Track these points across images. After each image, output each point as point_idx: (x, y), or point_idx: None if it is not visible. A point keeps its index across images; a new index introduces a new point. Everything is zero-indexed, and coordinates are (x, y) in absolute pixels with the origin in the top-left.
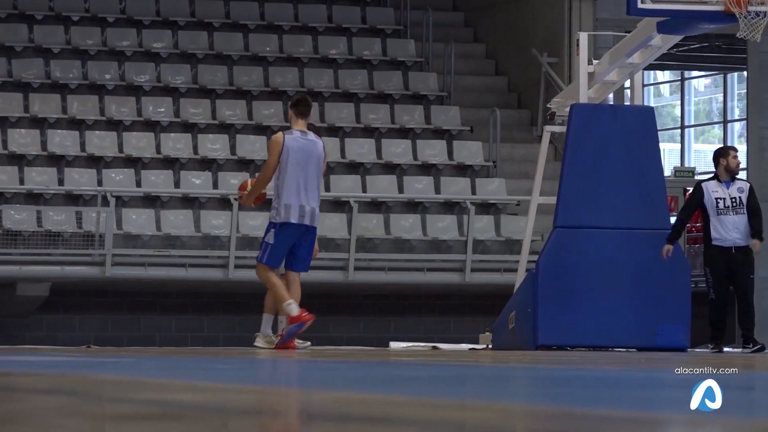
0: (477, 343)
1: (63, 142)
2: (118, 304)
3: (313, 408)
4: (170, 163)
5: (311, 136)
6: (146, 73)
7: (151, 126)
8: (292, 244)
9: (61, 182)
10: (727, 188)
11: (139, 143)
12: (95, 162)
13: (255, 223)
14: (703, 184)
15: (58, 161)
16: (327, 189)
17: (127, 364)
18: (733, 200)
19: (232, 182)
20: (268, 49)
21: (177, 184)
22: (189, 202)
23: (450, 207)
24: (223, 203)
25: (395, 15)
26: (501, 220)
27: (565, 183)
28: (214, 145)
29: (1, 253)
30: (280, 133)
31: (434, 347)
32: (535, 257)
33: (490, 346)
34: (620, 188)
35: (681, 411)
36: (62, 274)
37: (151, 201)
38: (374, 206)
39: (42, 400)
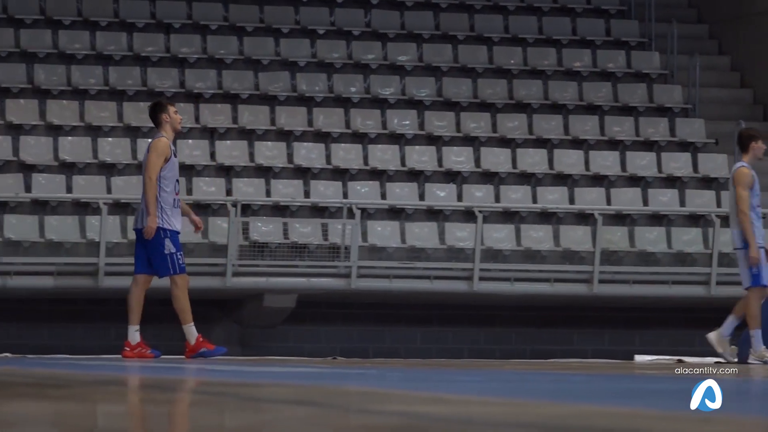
0: None
1: (309, 154)
2: (363, 316)
3: (554, 420)
4: (415, 176)
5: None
6: (391, 86)
7: (396, 138)
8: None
9: (307, 194)
10: None
11: (384, 156)
12: (341, 174)
13: (499, 236)
14: None
15: (304, 173)
16: (571, 201)
17: (372, 376)
18: None
19: (477, 195)
20: (512, 61)
21: (422, 197)
22: (434, 214)
23: (695, 220)
24: (468, 215)
25: (640, 27)
26: None
27: None
28: (459, 158)
29: (248, 265)
30: None
31: (679, 360)
32: None
33: (735, 360)
34: None
35: None
36: (308, 286)
37: (396, 213)
38: (619, 219)
39: (289, 411)
